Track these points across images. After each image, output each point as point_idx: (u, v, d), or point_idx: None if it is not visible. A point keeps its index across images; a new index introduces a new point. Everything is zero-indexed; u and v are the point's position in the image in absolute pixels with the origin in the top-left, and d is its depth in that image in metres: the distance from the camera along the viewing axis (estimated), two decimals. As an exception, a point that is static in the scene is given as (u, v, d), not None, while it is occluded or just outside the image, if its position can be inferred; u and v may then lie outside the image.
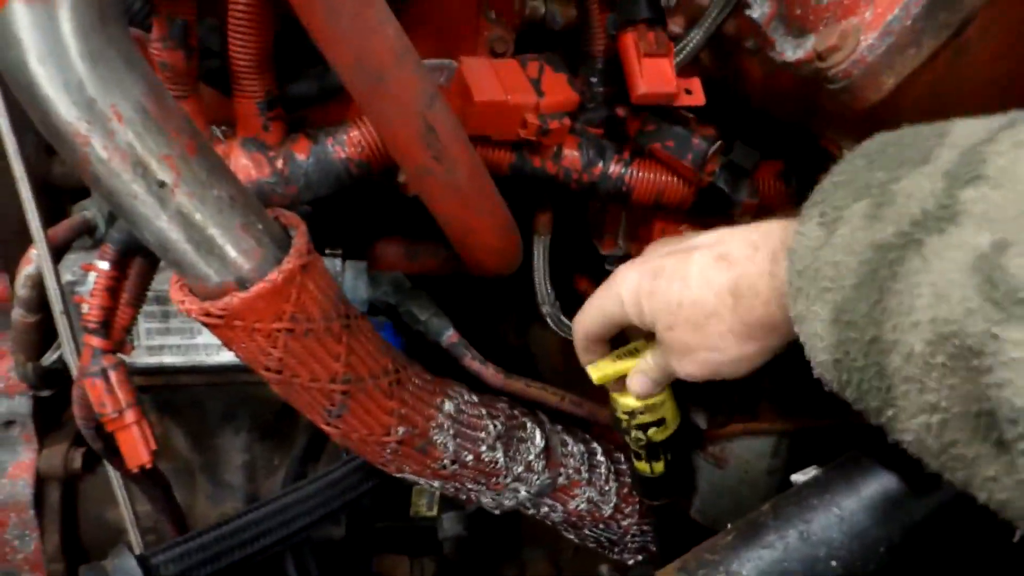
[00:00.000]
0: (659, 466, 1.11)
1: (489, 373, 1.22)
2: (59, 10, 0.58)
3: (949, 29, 0.79)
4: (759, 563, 0.70)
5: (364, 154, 0.95)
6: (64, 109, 0.59)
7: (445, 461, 1.02)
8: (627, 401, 0.99)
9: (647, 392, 0.92)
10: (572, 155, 1.03)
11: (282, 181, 0.94)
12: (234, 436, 1.32)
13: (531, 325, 1.72)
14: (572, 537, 1.34)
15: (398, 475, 1.05)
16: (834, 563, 0.69)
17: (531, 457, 1.11)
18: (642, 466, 1.11)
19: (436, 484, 1.08)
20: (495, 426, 1.07)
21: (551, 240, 1.21)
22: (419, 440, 0.99)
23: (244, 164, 0.93)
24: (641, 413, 0.98)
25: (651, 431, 1.04)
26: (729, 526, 0.76)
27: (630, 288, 0.82)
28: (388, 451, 0.97)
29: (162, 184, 0.64)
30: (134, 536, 1.07)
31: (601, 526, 1.28)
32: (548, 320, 1.23)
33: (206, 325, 0.75)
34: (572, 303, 1.48)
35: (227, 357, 1.07)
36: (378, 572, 1.30)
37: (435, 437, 1.00)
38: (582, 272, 1.47)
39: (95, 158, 0.61)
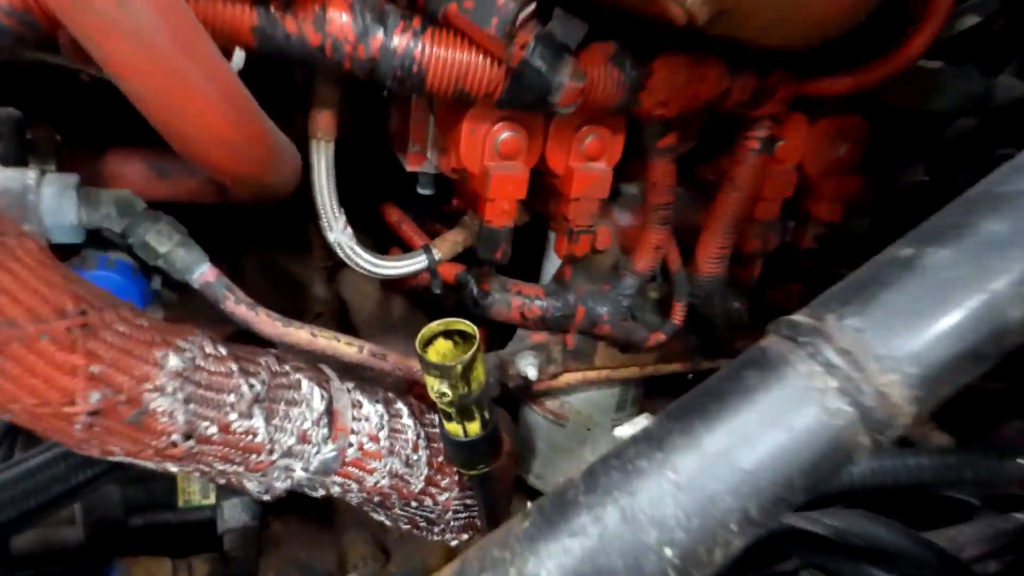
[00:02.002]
0: (474, 427, 0.89)
1: (259, 319, 0.95)
2: None
3: None
4: (564, 559, 0.48)
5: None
6: None
7: (175, 437, 0.75)
8: (432, 350, 0.78)
9: None
10: (341, 20, 0.77)
11: None
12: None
13: (342, 269, 1.45)
14: (382, 519, 1.10)
15: (112, 459, 0.76)
16: (669, 551, 0.48)
17: (306, 425, 0.86)
18: (453, 428, 0.88)
19: (172, 468, 0.80)
20: (251, 386, 0.80)
21: (349, 156, 0.95)
22: (128, 409, 0.71)
23: None
24: (445, 368, 0.76)
25: (459, 384, 0.81)
26: (529, 505, 0.53)
27: None
28: (78, 426, 0.69)
29: None
30: None
31: (413, 504, 1.05)
32: (339, 251, 0.97)
33: None
34: (383, 238, 1.22)
35: None
36: (124, 583, 1.02)
37: (154, 404, 0.72)
38: (392, 200, 1.21)
39: None
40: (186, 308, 1.06)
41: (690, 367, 1.19)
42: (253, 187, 0.84)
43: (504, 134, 0.88)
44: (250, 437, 0.81)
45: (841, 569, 0.96)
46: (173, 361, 0.74)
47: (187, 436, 0.76)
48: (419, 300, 1.44)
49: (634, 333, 1.07)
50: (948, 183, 1.26)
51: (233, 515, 1.13)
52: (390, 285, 1.26)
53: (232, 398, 0.79)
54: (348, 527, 1.50)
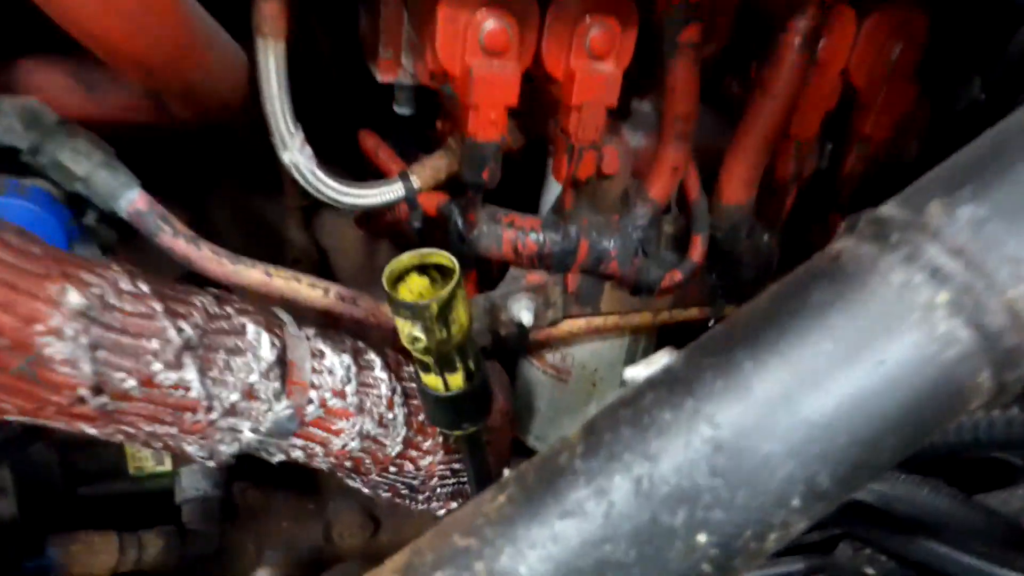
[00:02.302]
0: (456, 379, 0.75)
1: (202, 256, 0.80)
2: None
3: None
4: (553, 549, 0.34)
5: None
6: None
7: (81, 391, 0.61)
8: (403, 288, 0.65)
9: None
10: None
11: None
12: None
13: (321, 211, 1.30)
14: (359, 486, 0.96)
15: (11, 419, 0.62)
16: (703, 537, 0.33)
17: (252, 377, 0.71)
18: (432, 381, 0.75)
19: (89, 430, 0.66)
20: (180, 331, 0.66)
21: (319, 77, 0.79)
22: (14, 357, 0.57)
23: None
24: (418, 308, 0.63)
25: (435, 327, 0.67)
26: (506, 474, 0.39)
27: None
28: (-51, 378, 0.55)
29: None
30: None
31: (392, 469, 0.91)
32: (296, 175, 0.82)
33: None
34: (359, 169, 1.06)
35: None
36: (62, 562, 0.88)
37: (49, 351, 0.58)
38: (370, 126, 1.05)
39: None
40: (145, 255, 0.91)
41: (711, 313, 1.03)
42: (180, 87, 0.68)
43: (489, 24, 0.72)
44: (181, 392, 0.67)
45: (891, 542, 0.82)
46: (74, 298, 0.60)
47: (97, 391, 0.62)
48: (406, 245, 1.29)
49: (647, 272, 0.91)
50: (1007, 103, 1.09)
51: (192, 483, 1.00)
52: (368, 225, 1.11)
53: (155, 344, 0.65)
54: (334, 495, 1.39)
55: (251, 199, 1.20)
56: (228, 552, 1.24)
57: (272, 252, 1.24)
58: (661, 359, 0.39)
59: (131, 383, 0.64)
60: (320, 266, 1.30)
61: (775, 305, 0.36)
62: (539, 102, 0.91)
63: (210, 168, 1.15)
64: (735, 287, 0.98)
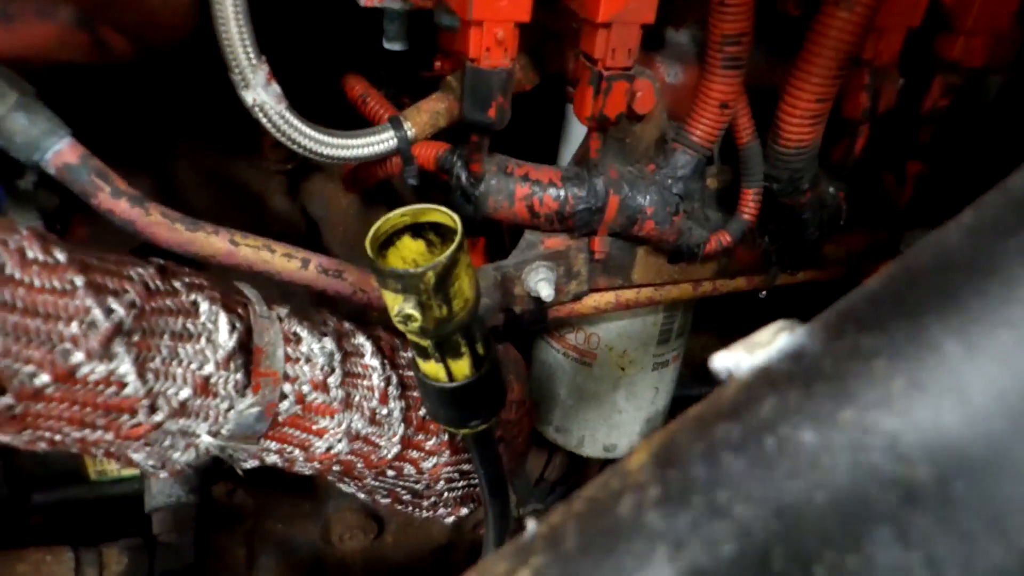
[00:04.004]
0: (461, 366, 0.61)
1: (150, 221, 0.66)
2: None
3: None
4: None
5: None
6: None
7: (-26, 389, 0.47)
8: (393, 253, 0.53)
9: None
10: None
11: None
12: None
13: (309, 175, 1.15)
14: (354, 491, 0.83)
15: None
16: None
17: (208, 368, 0.57)
18: (432, 369, 0.61)
19: (0, 439, 0.53)
20: (109, 311, 0.52)
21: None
22: None
23: None
24: (410, 277, 0.49)
25: (433, 303, 0.54)
26: (530, 528, 0.24)
27: None
28: None
29: None
30: None
31: (390, 473, 0.77)
32: (262, 119, 0.67)
33: None
34: (347, 118, 0.91)
35: None
36: (4, 585, 0.75)
37: (-78, 338, 0.44)
38: (361, 69, 0.90)
39: None
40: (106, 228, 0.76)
41: (763, 283, 0.88)
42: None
43: (493, -85, 0.57)
44: (113, 389, 0.53)
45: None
46: (-50, 268, 0.46)
47: (-2, 390, 0.48)
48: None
49: (689, 234, 0.76)
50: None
51: (163, 489, 0.86)
52: (355, 185, 0.96)
53: (75, 329, 0.51)
54: (332, 493, 1.25)
55: (224, 161, 1.05)
56: (215, 560, 1.12)
57: (252, 224, 1.10)
58: (775, 338, 0.24)
59: (44, 379, 0.50)
60: (309, 240, 1.16)
61: (984, 242, 0.21)
62: (554, 29, 0.76)
63: (171, 123, 1.00)
64: (793, 250, 0.83)
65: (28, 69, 0.67)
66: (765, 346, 0.24)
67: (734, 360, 0.25)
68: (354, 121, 0.83)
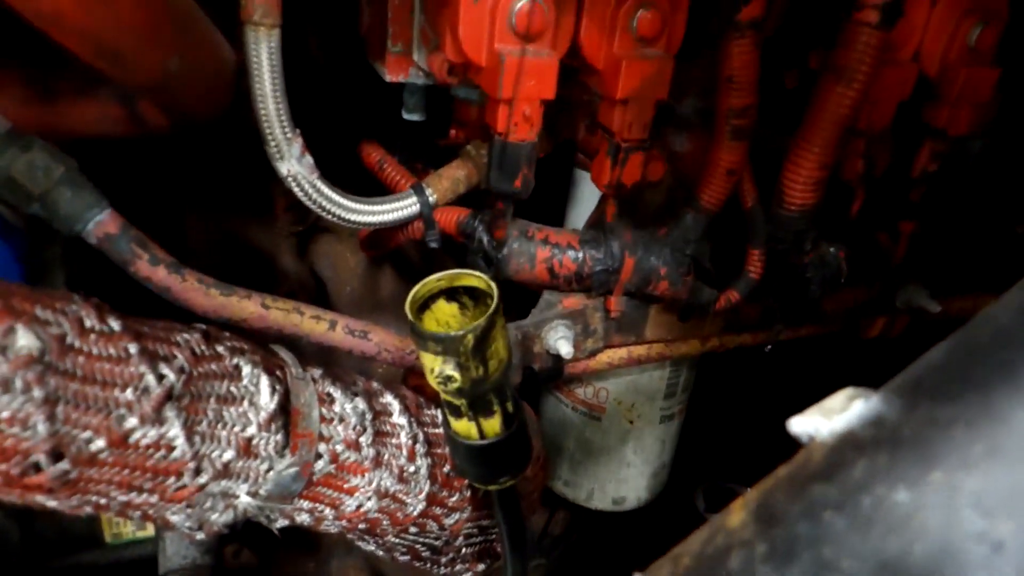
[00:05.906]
0: (493, 424, 0.63)
1: (185, 287, 0.68)
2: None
3: None
4: None
5: None
6: None
7: (36, 457, 0.48)
8: (429, 316, 0.55)
9: None
10: None
11: None
12: None
13: (317, 236, 1.17)
14: (373, 549, 0.83)
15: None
16: None
17: (250, 430, 0.59)
18: (463, 427, 0.63)
19: (48, 503, 0.53)
20: (160, 377, 0.53)
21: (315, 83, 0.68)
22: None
23: None
24: (450, 340, 0.51)
25: (471, 364, 0.56)
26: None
27: None
28: None
29: None
30: None
31: (413, 530, 0.78)
32: (295, 188, 0.70)
33: None
34: (367, 184, 0.94)
35: None
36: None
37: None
38: (377, 137, 0.94)
39: None
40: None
41: (767, 339, 0.92)
42: (154, 79, 0.56)
43: (521, 2, 0.61)
44: (162, 453, 0.54)
45: None
46: (24, 340, 0.47)
47: (56, 456, 0.49)
48: (412, 273, 1.16)
49: (700, 292, 0.80)
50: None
51: (178, 550, 0.86)
52: (373, 248, 0.99)
53: (130, 395, 0.52)
54: (336, 551, 1.24)
55: (236, 224, 1.08)
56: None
57: (263, 284, 1.12)
58: (850, 405, 0.27)
59: (99, 444, 0.51)
60: (317, 299, 1.18)
61: (1037, 323, 0.24)
62: (567, 101, 0.80)
63: (187, 187, 1.03)
64: (795, 306, 0.87)
65: (68, 143, 0.69)
66: (840, 412, 0.27)
67: (813, 425, 0.28)
68: (358, 181, 0.86)
